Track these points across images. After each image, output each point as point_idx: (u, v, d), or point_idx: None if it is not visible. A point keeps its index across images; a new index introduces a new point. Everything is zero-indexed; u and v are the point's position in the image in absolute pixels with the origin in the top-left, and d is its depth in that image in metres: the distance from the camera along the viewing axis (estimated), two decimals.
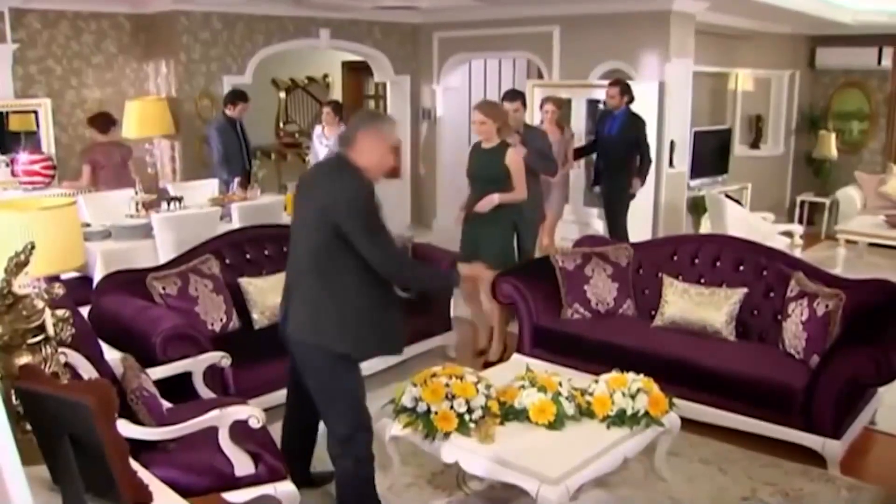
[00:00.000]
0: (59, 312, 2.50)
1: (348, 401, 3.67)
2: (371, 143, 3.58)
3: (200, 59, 8.61)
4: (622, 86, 7.77)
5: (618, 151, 7.82)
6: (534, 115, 8.34)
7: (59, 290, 2.49)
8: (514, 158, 5.70)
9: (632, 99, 7.80)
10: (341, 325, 3.53)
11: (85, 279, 5.82)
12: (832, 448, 4.38)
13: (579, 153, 8.28)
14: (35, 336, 2.37)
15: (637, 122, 7.82)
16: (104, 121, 7.78)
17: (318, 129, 8.98)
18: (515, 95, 6.67)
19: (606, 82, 8.62)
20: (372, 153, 3.59)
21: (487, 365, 5.52)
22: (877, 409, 4.98)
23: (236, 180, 7.69)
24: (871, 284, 5.02)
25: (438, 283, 3.81)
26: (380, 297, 3.60)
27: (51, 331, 2.41)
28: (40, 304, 2.38)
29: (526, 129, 6.56)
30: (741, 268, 5.46)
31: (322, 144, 8.70)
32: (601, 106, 8.55)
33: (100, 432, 1.86)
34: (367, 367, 5.45)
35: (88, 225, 6.33)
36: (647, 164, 7.95)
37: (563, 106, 8.22)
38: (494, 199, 5.67)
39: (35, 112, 8.11)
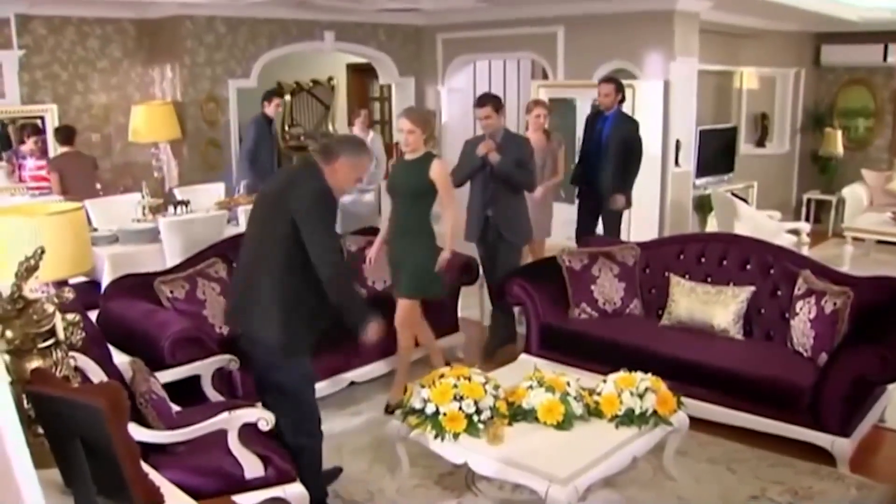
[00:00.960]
0: (69, 316, 2.51)
1: (297, 396, 3.83)
2: (347, 169, 3.81)
3: (205, 62, 8.63)
4: (617, 83, 7.19)
5: (613, 156, 7.07)
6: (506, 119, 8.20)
7: (68, 294, 2.50)
8: (441, 170, 5.14)
9: (623, 98, 7.26)
10: (284, 319, 3.69)
11: (93, 283, 5.84)
12: (841, 446, 4.37)
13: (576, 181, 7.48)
14: (45, 340, 2.37)
15: (632, 125, 7.25)
16: (65, 132, 7.75)
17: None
18: (485, 100, 6.01)
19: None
20: (343, 176, 3.82)
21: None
22: (886, 407, 4.96)
23: (243, 183, 7.71)
24: (879, 282, 5.01)
25: (356, 314, 3.89)
26: (322, 296, 3.75)
27: (61, 335, 2.42)
28: (50, 308, 2.39)
29: (506, 135, 6.04)
30: (748, 266, 5.46)
31: None
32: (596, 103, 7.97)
33: (111, 435, 1.87)
34: (375, 369, 5.51)
35: (96, 230, 6.35)
36: (632, 175, 7.14)
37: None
38: (446, 257, 5.22)
39: (41, 118, 8.14)
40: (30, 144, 7.97)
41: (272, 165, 8.49)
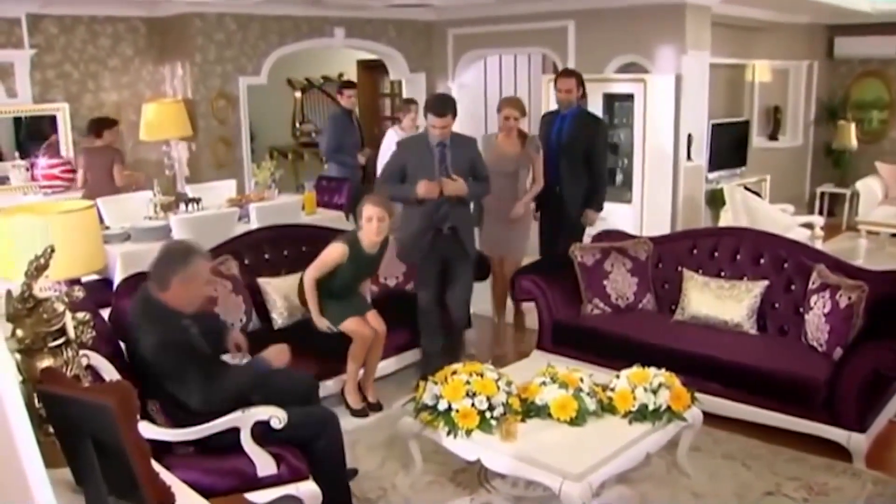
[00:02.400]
0: (80, 315, 2.51)
1: None
2: (186, 286, 3.58)
3: (215, 60, 8.64)
4: (578, 77, 6.40)
5: (573, 161, 6.33)
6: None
7: (78, 292, 2.50)
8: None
9: (585, 94, 6.58)
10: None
11: (105, 281, 5.85)
12: (857, 442, 4.33)
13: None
14: (56, 339, 2.37)
15: (600, 124, 6.58)
16: (93, 124, 7.80)
17: (397, 132, 8.26)
18: (446, 108, 5.30)
19: (622, 76, 8.60)
20: (184, 293, 3.59)
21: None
22: None
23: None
24: (892, 276, 4.97)
25: (250, 380, 3.71)
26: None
27: (71, 334, 2.42)
28: (61, 307, 2.39)
29: (454, 140, 5.38)
30: (761, 261, 5.42)
31: None
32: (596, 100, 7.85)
33: (121, 434, 1.87)
34: (387, 366, 5.49)
35: (108, 227, 6.37)
36: (601, 186, 6.42)
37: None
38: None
39: (53, 117, 8.17)
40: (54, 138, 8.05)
41: (356, 157, 8.64)
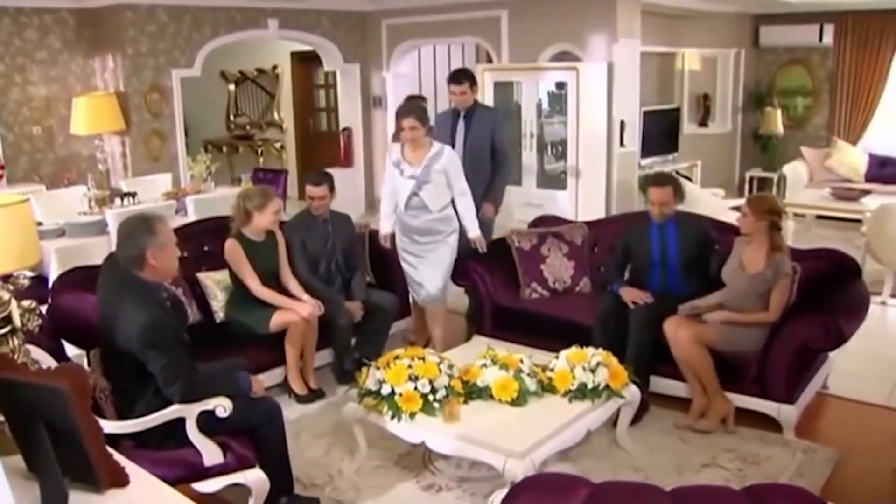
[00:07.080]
0: (26, 303, 2.50)
1: None
2: (161, 254, 3.46)
3: (148, 52, 8.53)
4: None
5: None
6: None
7: (24, 280, 2.49)
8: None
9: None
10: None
11: (39, 278, 5.75)
12: (787, 413, 4.50)
13: None
14: (1, 328, 2.36)
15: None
16: None
17: (395, 154, 5.58)
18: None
19: (556, 65, 8.70)
20: (164, 262, 3.48)
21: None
22: (828, 374, 5.13)
23: None
24: (819, 254, 5.16)
25: (224, 392, 3.56)
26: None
27: (17, 322, 2.41)
28: (6, 295, 2.38)
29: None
30: None
31: (404, 177, 5.47)
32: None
33: (75, 416, 1.88)
34: (328, 354, 5.50)
35: (41, 223, 6.25)
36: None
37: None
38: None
39: None
40: None
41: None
